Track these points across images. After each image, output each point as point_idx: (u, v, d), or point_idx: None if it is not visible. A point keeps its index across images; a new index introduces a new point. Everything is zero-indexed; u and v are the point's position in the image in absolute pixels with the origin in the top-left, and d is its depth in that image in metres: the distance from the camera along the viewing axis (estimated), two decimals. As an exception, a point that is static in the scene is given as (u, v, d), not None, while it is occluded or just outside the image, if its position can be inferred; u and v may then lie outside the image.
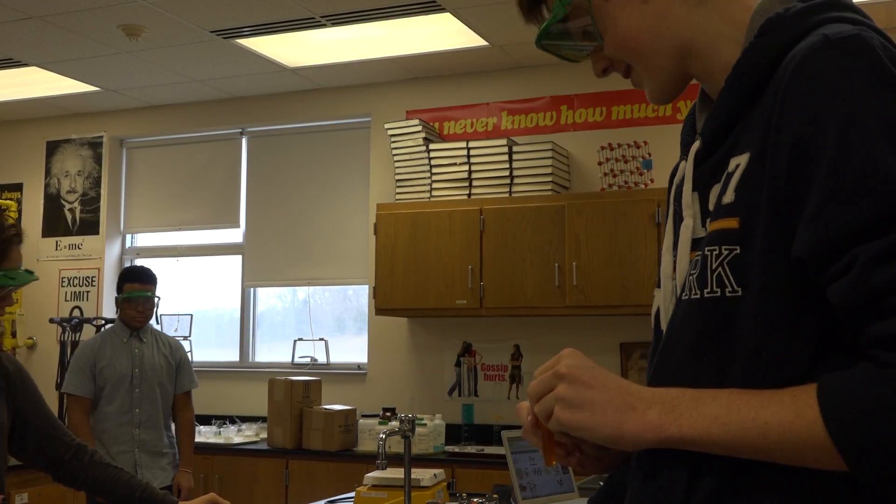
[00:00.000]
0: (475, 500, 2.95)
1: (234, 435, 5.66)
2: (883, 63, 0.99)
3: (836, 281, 0.97)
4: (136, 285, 4.52)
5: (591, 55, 1.28)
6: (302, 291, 6.41)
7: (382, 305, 5.46)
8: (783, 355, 1.01)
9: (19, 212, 6.79)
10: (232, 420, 5.94)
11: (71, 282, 6.71)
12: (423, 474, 3.08)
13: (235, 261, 6.51)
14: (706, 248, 1.06)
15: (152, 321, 4.77)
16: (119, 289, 4.56)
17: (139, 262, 6.83)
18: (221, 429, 5.68)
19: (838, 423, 0.94)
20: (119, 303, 4.58)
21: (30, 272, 2.37)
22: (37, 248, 6.73)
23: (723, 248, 1.04)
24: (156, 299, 4.62)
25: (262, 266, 6.38)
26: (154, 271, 4.68)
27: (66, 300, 6.69)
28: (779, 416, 0.97)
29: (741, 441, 0.99)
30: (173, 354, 4.66)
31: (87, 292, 6.65)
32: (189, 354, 4.97)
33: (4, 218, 2.33)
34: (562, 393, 1.07)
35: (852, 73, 0.98)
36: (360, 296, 6.17)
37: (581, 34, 1.25)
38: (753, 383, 1.01)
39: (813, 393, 0.96)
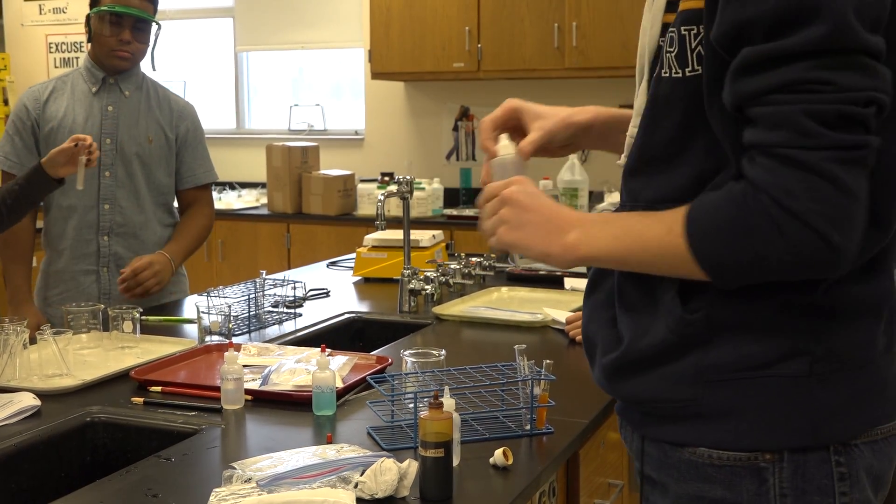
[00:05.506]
0: (474, 259, 3.02)
1: (235, 200, 5.72)
2: None
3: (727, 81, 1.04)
4: None
5: None
6: (296, 58, 6.28)
7: (378, 69, 5.36)
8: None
9: (-2, -26, 6.51)
10: (231, 186, 5.98)
11: (59, 47, 6.54)
12: (422, 235, 3.13)
13: (226, 24, 6.32)
14: (682, 28, 1.09)
15: (148, 69, 2.88)
16: (92, 3, 2.74)
17: (127, 26, 6.62)
18: (221, 194, 5.72)
19: (694, 237, 1.06)
20: (89, 27, 2.75)
21: None
22: (20, 13, 6.50)
23: (699, 27, 1.07)
24: (154, 28, 2.77)
25: (254, 30, 6.20)
26: None
27: (55, 66, 6.55)
28: (658, 233, 1.09)
29: (632, 256, 1.13)
30: (176, 122, 2.87)
31: (77, 58, 6.50)
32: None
33: None
34: (504, 215, 1.20)
35: None
36: (355, 61, 6.04)
37: None
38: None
39: (684, 211, 1.08)
